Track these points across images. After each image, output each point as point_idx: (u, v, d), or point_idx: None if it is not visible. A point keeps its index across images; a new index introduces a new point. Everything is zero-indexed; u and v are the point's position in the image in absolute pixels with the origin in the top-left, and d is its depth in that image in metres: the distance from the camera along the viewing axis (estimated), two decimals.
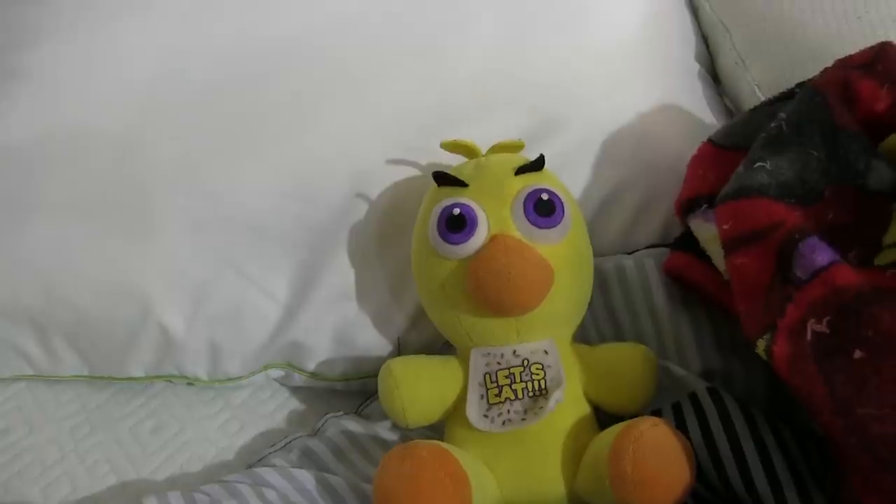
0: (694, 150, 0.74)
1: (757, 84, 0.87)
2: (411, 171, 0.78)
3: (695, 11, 1.01)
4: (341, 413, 0.74)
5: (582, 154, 0.80)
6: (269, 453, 0.71)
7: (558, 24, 0.87)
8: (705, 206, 0.68)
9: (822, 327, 0.53)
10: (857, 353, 0.51)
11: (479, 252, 0.63)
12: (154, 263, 0.74)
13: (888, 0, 0.84)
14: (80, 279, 0.74)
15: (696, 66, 0.94)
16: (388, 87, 0.81)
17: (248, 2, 0.85)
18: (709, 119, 0.87)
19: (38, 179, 0.76)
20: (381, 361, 0.70)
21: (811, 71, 0.71)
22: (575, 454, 0.62)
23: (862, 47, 0.70)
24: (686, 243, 0.71)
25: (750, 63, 0.90)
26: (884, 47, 0.68)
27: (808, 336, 0.53)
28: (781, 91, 0.73)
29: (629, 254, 0.77)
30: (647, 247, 0.78)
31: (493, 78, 0.82)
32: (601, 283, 0.72)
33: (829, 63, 0.70)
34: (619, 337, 0.71)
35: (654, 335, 0.70)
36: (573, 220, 0.67)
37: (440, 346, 0.75)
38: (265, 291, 0.75)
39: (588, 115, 0.82)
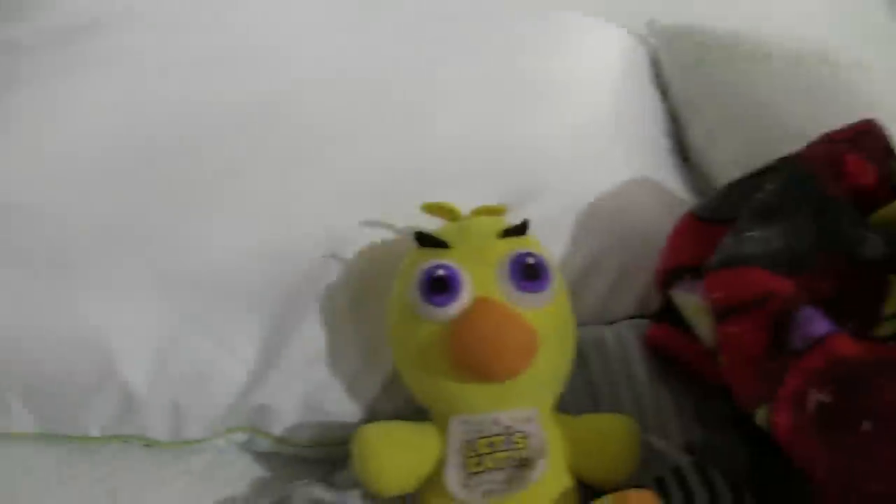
0: (666, 224, 0.74)
1: (730, 161, 0.88)
2: (386, 235, 0.76)
3: (663, 89, 1.02)
4: (308, 481, 0.71)
5: (557, 225, 0.79)
6: None
7: (535, 98, 0.88)
8: (688, 276, 0.67)
9: (825, 397, 0.52)
10: (865, 426, 0.50)
11: (462, 315, 0.62)
12: (116, 318, 0.72)
13: (856, 86, 0.86)
14: (38, 332, 0.71)
15: (666, 142, 0.95)
16: (363, 151, 0.81)
17: (220, 62, 0.84)
18: (679, 193, 0.87)
19: (4, 230, 0.73)
20: (350, 428, 0.67)
21: (784, 150, 0.72)
22: None
23: (835, 128, 0.71)
24: (666, 315, 0.71)
25: (721, 140, 0.91)
26: (867, 124, 0.69)
27: (810, 406, 0.52)
28: (761, 166, 0.73)
29: (607, 325, 0.76)
30: (626, 318, 0.78)
31: (470, 147, 0.83)
32: (580, 354, 0.70)
33: (803, 142, 0.70)
34: (599, 409, 0.69)
35: (635, 408, 0.69)
36: (557, 286, 0.65)
37: (413, 413, 0.72)
38: (232, 352, 0.73)
39: (564, 186, 0.81)
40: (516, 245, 0.65)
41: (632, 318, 0.78)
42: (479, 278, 0.63)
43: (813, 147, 0.68)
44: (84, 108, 0.80)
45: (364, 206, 0.77)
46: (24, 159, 0.77)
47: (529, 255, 0.64)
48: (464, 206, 0.72)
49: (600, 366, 0.71)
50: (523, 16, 1.00)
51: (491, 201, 0.74)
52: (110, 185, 0.76)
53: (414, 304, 0.64)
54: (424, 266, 0.64)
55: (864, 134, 0.68)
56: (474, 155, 0.82)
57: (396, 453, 0.63)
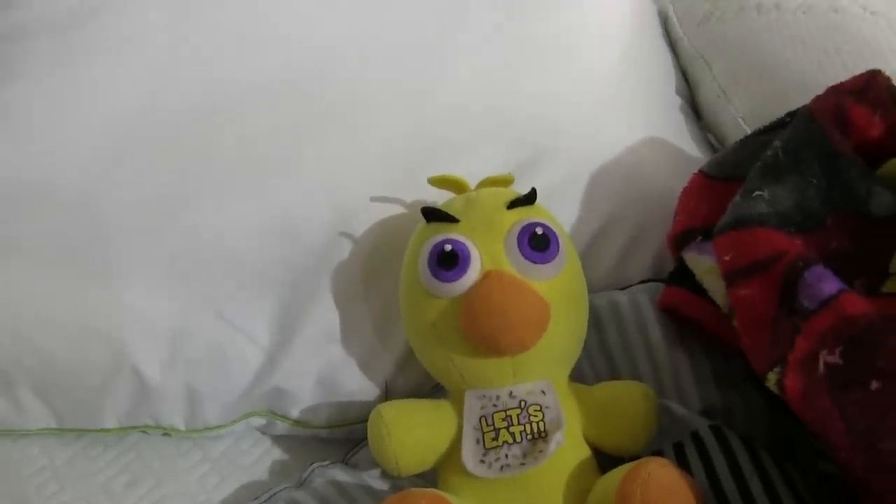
0: (681, 184, 0.73)
1: (741, 116, 0.86)
2: (396, 209, 0.75)
3: (673, 46, 1.00)
4: (328, 462, 0.71)
5: (569, 189, 0.78)
6: None
7: (541, 59, 0.86)
8: (700, 238, 0.66)
9: (835, 358, 0.51)
10: (874, 385, 0.49)
11: (472, 289, 0.61)
12: (127, 306, 0.71)
13: (864, 35, 0.84)
14: (49, 325, 0.71)
15: (678, 100, 0.93)
16: (370, 124, 0.79)
17: (224, 42, 0.82)
18: (693, 152, 0.86)
19: (5, 220, 0.73)
20: (367, 407, 0.67)
21: (795, 102, 0.70)
22: (577, 499, 0.59)
23: (843, 79, 0.69)
24: (680, 277, 0.70)
25: (732, 95, 0.89)
26: (874, 75, 0.67)
27: (821, 368, 0.51)
28: (770, 121, 0.72)
29: (622, 289, 0.75)
30: (640, 282, 0.77)
31: (477, 112, 0.81)
32: (595, 320, 0.70)
33: (812, 94, 0.69)
34: (615, 375, 0.69)
35: (652, 373, 0.68)
36: (568, 255, 0.65)
37: (430, 390, 0.72)
38: (246, 335, 0.72)
39: (574, 149, 0.80)
40: (524, 215, 0.64)
41: (646, 281, 0.76)
42: (488, 251, 0.62)
43: (820, 100, 0.67)
44: (90, 95, 0.79)
45: (373, 180, 0.76)
46: (29, 147, 0.76)
47: (538, 224, 0.63)
48: (475, 173, 0.71)
49: (616, 332, 0.70)
50: None
51: (501, 166, 0.73)
52: (117, 171, 0.75)
53: (424, 281, 0.63)
54: (432, 241, 0.63)
55: (871, 85, 0.66)
56: (483, 120, 0.80)
57: (413, 432, 0.63)
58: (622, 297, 0.72)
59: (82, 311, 0.71)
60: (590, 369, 0.69)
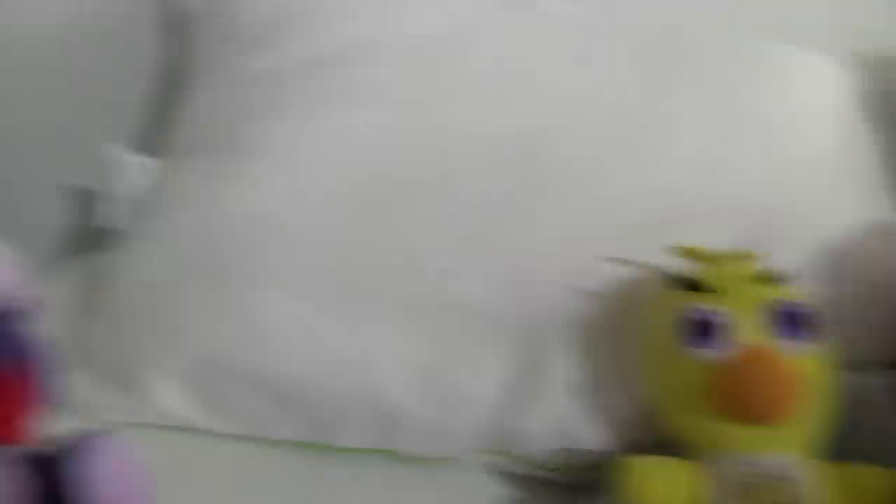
0: None
1: None
2: (629, 269, 0.79)
3: (878, 124, 1.01)
4: None
5: (797, 266, 0.80)
6: None
7: (758, 137, 0.89)
8: None
9: None
10: None
11: (737, 360, 0.65)
12: (379, 343, 0.77)
13: None
14: (313, 351, 0.77)
15: (885, 178, 0.95)
16: (601, 185, 0.84)
17: (478, 97, 0.88)
18: None
19: (277, 252, 0.79)
20: (601, 457, 0.71)
21: None
22: None
23: None
24: None
25: None
26: None
27: None
28: None
29: (855, 372, 0.77)
30: (870, 362, 0.78)
31: (703, 184, 0.85)
32: None
33: None
34: (845, 458, 0.71)
35: (885, 458, 0.70)
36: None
37: (666, 446, 0.75)
38: (486, 378, 0.77)
39: (797, 230, 0.82)
40: (779, 292, 0.68)
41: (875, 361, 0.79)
42: (747, 324, 0.66)
43: None
44: (339, 139, 0.85)
45: (602, 241, 0.80)
46: (295, 185, 0.82)
47: (797, 304, 0.67)
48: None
49: (850, 414, 0.72)
50: (739, 48, 1.01)
51: (728, 241, 0.77)
52: (366, 217, 0.81)
53: (678, 346, 0.67)
54: (689, 308, 0.67)
55: None
56: (708, 192, 0.84)
57: (664, 487, 0.65)
58: (856, 379, 0.74)
59: (339, 339, 0.77)
60: (826, 448, 0.72)
